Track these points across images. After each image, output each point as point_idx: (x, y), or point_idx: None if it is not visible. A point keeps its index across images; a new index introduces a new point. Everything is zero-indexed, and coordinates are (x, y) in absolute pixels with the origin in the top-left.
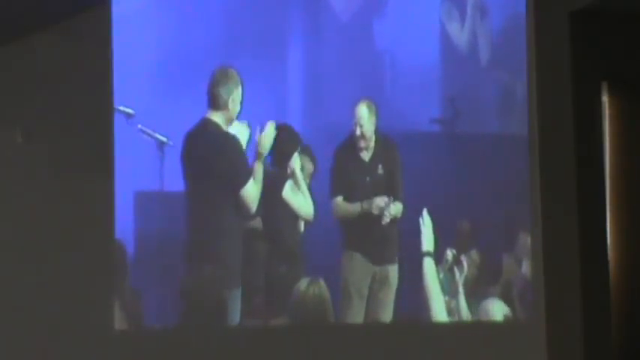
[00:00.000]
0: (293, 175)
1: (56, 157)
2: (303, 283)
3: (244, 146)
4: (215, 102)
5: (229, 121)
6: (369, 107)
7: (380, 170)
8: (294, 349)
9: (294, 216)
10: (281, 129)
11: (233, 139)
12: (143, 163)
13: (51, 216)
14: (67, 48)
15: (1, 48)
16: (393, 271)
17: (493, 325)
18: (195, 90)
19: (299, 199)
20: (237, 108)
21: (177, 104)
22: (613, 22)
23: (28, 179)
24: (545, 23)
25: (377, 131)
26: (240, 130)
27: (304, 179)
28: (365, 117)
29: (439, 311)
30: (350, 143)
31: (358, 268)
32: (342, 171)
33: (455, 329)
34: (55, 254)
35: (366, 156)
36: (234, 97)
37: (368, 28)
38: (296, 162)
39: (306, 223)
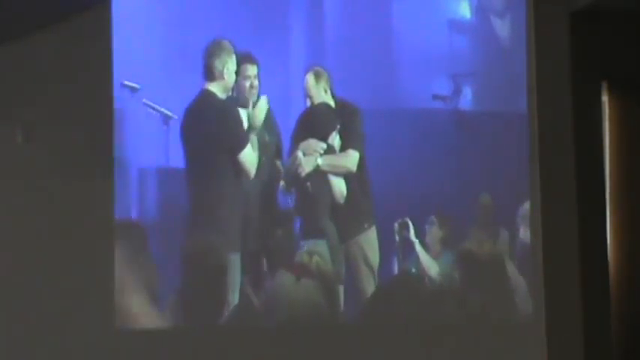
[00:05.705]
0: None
1: (56, 157)
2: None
3: (261, 120)
4: (210, 73)
5: (226, 91)
6: (316, 75)
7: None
8: (293, 348)
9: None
10: (321, 107)
11: (230, 107)
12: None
13: (51, 216)
14: (67, 48)
15: (1, 48)
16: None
17: (493, 325)
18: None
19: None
20: (233, 77)
21: (180, 81)
22: (613, 22)
23: (28, 179)
24: (545, 23)
25: (335, 98)
26: (259, 106)
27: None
28: (312, 87)
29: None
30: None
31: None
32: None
33: (455, 329)
34: (55, 254)
35: None
36: (229, 67)
37: (374, 3)
38: (335, 140)
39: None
